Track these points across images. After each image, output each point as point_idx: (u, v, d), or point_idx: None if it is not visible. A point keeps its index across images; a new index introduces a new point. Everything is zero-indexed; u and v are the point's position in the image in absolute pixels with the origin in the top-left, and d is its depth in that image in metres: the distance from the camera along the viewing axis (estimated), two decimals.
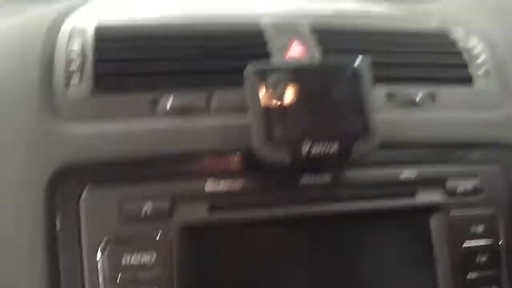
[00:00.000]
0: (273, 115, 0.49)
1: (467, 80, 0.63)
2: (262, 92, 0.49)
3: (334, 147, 0.50)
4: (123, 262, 0.47)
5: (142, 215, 0.48)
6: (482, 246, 0.57)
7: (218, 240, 0.51)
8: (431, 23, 0.70)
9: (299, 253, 0.53)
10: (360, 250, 0.55)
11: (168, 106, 0.52)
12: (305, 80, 0.50)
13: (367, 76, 0.52)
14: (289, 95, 0.50)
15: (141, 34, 0.56)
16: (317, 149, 0.49)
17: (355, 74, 0.51)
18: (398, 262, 0.56)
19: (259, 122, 0.48)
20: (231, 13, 0.64)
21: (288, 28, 0.61)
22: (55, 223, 0.47)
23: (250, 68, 0.49)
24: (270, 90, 0.49)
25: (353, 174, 0.55)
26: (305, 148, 0.49)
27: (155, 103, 0.52)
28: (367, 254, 0.55)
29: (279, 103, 0.49)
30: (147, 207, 0.48)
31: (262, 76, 0.49)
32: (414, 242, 0.56)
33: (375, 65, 0.59)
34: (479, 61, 0.65)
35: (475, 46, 0.66)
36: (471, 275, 0.56)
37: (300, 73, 0.50)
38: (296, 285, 0.53)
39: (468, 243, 0.57)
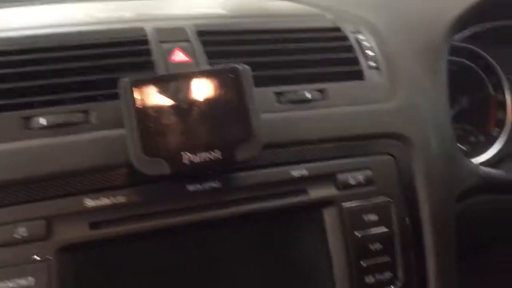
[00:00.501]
0: (148, 126, 0.48)
1: (358, 74, 0.65)
2: (137, 104, 0.48)
3: (215, 155, 0.49)
4: None
5: (16, 240, 0.46)
6: (375, 234, 0.59)
7: (103, 258, 0.50)
8: (323, 19, 0.71)
9: (193, 262, 0.53)
10: (258, 251, 0.55)
11: (42, 123, 0.50)
12: (182, 88, 0.50)
13: (248, 79, 0.52)
14: (165, 105, 0.49)
15: (11, 47, 0.54)
16: (198, 158, 0.49)
17: (235, 79, 0.51)
18: (296, 258, 0.56)
19: (134, 135, 0.47)
20: (111, 18, 0.62)
21: (172, 33, 0.59)
22: None
23: (123, 81, 0.48)
24: (145, 101, 0.48)
25: (243, 177, 0.55)
26: (185, 159, 0.48)
27: (27, 120, 0.50)
28: (265, 254, 0.56)
29: (154, 114, 0.48)
30: (21, 231, 0.47)
31: (136, 87, 0.48)
32: (311, 237, 0.57)
33: (262, 65, 0.59)
34: (369, 55, 0.67)
35: (365, 41, 0.68)
36: (366, 263, 0.57)
37: (176, 82, 0.50)
38: None
39: (361, 233, 0.58)
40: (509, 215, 0.77)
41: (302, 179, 0.57)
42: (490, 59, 0.88)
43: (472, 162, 0.74)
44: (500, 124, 0.89)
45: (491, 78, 0.89)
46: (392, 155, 0.62)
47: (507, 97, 0.89)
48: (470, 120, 0.89)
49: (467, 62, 0.87)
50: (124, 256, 0.51)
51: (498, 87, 0.89)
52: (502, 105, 0.89)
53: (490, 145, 0.88)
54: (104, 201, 0.50)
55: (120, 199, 0.50)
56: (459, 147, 0.74)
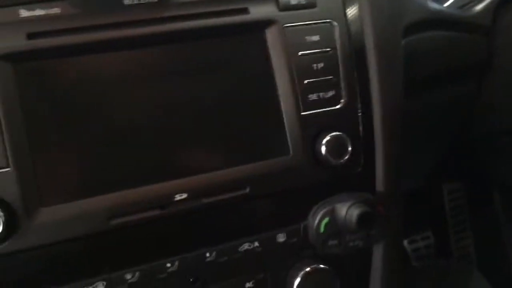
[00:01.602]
0: None
1: None
2: None
3: None
4: None
5: None
6: (318, 54, 0.60)
7: (41, 71, 0.50)
8: None
9: (130, 78, 0.54)
10: (200, 69, 0.56)
11: None
12: None
13: None
14: None
15: None
16: None
17: None
18: (239, 78, 0.58)
19: None
20: None
21: None
22: None
23: None
24: None
25: None
26: None
27: None
28: (208, 72, 0.56)
29: None
30: None
31: None
32: (254, 57, 0.58)
33: None
34: None
35: None
36: (309, 81, 0.59)
37: None
38: (130, 111, 0.53)
39: (304, 52, 0.59)
40: (452, 52, 0.78)
41: None
42: None
43: None
44: None
45: None
46: None
47: None
48: None
49: None
50: (61, 70, 0.51)
51: None
52: None
53: None
54: (39, 12, 0.50)
55: (56, 10, 0.50)
56: None
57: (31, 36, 0.50)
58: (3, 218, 0.47)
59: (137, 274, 0.53)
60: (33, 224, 0.49)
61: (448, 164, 1.14)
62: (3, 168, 0.48)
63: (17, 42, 0.49)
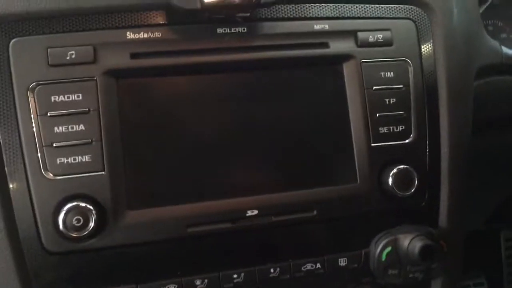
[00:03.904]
0: None
1: None
2: None
3: None
4: (52, 100, 0.53)
5: (68, 61, 0.53)
6: (392, 90, 0.63)
7: (141, 87, 0.56)
8: None
9: (216, 99, 0.59)
10: (280, 96, 0.60)
11: None
12: None
13: None
14: None
15: None
16: None
17: None
18: (314, 106, 0.61)
19: None
20: None
21: None
22: None
23: None
24: None
25: (268, 25, 0.60)
26: None
27: None
28: (287, 99, 0.61)
29: None
30: (72, 53, 0.53)
31: None
32: (330, 89, 0.62)
33: None
34: None
35: None
36: (381, 114, 0.62)
37: None
38: (212, 130, 0.58)
39: (378, 87, 0.62)
40: None
41: (324, 32, 0.61)
42: None
43: (494, 40, 0.76)
44: None
45: None
46: (412, 20, 0.65)
47: None
48: (502, 16, 0.90)
49: None
50: (156, 87, 0.57)
51: None
52: None
53: None
54: (143, 35, 0.56)
55: (157, 34, 0.56)
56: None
57: (134, 55, 0.56)
58: (95, 216, 0.52)
59: (206, 281, 0.57)
60: (120, 224, 0.54)
61: (509, 210, 1.12)
62: (99, 171, 0.54)
63: (122, 60, 0.55)
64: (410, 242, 0.59)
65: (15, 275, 0.53)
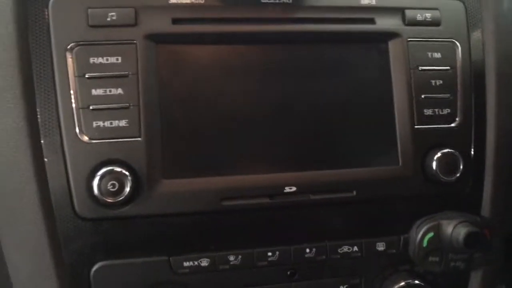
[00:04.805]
0: None
1: None
2: None
3: None
4: (90, 61, 0.51)
5: (108, 22, 0.52)
6: (438, 71, 0.60)
7: (180, 54, 0.54)
8: None
9: (258, 71, 0.57)
10: (323, 70, 0.58)
11: None
12: None
13: None
14: None
15: None
16: None
17: None
18: (357, 84, 0.59)
19: None
20: None
21: None
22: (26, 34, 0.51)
23: None
24: None
25: None
26: None
27: None
28: (330, 74, 0.58)
29: None
30: (113, 15, 0.52)
31: None
32: (375, 66, 0.59)
33: None
34: None
35: None
36: (426, 96, 0.59)
37: None
38: (252, 102, 0.56)
39: (424, 68, 0.60)
40: None
41: (371, 8, 0.59)
42: None
43: None
44: None
45: None
46: (461, 1, 0.63)
47: None
48: None
49: None
50: (196, 55, 0.55)
51: None
52: None
53: None
54: (186, 0, 0.54)
55: (200, 0, 0.54)
56: None
57: (176, 21, 0.54)
58: (130, 182, 0.51)
59: (239, 257, 0.55)
60: (155, 193, 0.52)
61: None
62: (135, 137, 0.52)
63: (163, 25, 0.53)
64: (454, 228, 0.56)
65: (46, 240, 0.51)
